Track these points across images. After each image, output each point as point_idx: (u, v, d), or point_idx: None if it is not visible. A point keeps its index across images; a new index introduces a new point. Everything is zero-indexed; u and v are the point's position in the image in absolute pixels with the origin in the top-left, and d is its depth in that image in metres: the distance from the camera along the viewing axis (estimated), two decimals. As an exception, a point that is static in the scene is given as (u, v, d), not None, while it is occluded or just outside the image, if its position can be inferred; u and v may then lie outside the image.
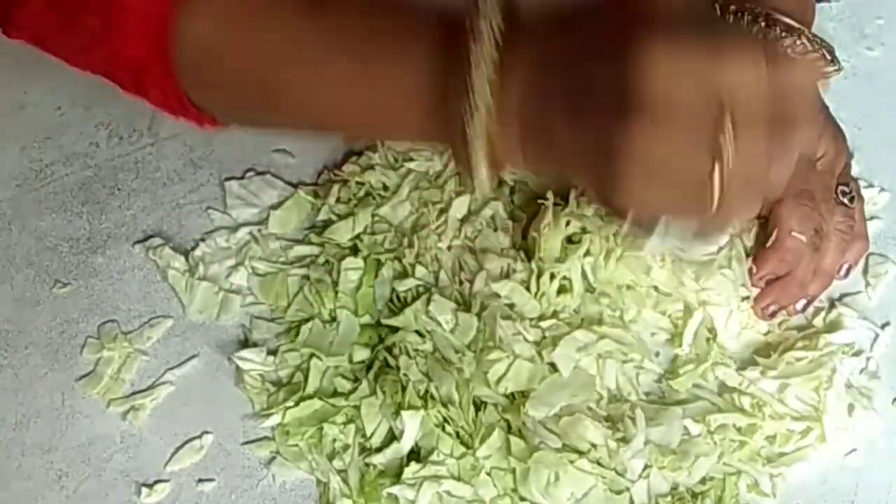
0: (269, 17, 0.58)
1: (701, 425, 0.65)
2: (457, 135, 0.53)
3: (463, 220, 0.72)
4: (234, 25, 0.58)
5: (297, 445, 0.66)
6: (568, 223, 0.69)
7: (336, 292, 0.70)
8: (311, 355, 0.68)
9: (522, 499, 0.63)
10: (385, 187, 0.75)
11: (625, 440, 0.63)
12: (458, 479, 0.64)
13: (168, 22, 0.56)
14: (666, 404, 0.66)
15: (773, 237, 0.68)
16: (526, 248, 0.71)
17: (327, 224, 0.74)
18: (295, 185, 0.76)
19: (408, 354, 0.67)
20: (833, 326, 0.70)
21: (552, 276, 0.68)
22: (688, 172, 0.49)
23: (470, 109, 0.52)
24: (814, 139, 0.70)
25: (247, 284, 0.73)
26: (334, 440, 0.66)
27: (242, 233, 0.74)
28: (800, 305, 0.70)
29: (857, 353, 0.69)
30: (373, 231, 0.73)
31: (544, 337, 0.67)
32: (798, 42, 0.71)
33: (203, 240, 0.74)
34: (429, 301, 0.68)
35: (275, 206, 0.75)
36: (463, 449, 0.65)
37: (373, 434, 0.66)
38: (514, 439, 0.64)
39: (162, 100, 0.60)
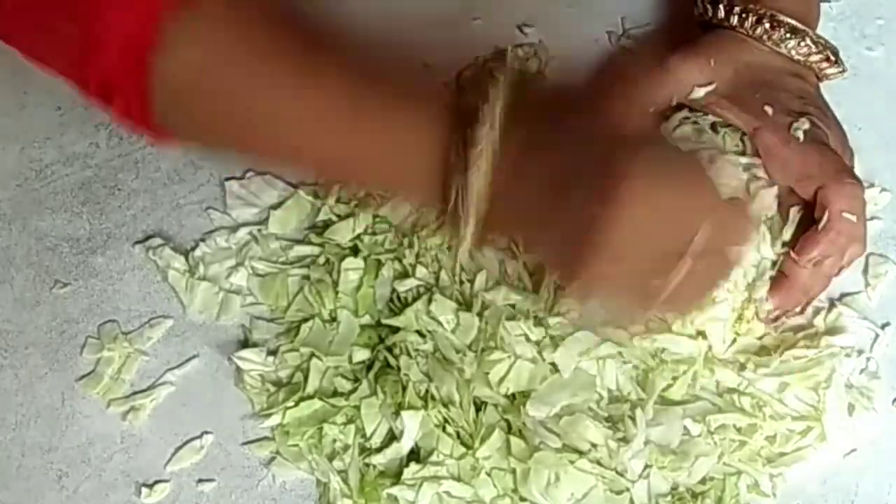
0: (261, 58, 0.57)
1: (701, 425, 0.65)
2: (452, 203, 0.57)
3: None
4: (223, 60, 0.57)
5: (296, 446, 0.66)
6: None
7: (336, 292, 0.70)
8: (311, 355, 0.68)
9: (522, 499, 0.63)
10: None
11: (625, 440, 0.64)
12: (458, 479, 0.64)
13: (151, 41, 0.55)
14: (666, 404, 0.66)
15: (823, 219, 0.67)
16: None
17: (327, 224, 0.74)
18: (295, 186, 0.76)
19: (408, 354, 0.67)
20: (833, 327, 0.70)
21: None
22: (651, 270, 0.56)
23: (468, 183, 0.56)
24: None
25: (246, 285, 0.73)
26: (334, 440, 0.66)
27: (242, 233, 0.74)
28: (798, 307, 0.70)
29: (857, 353, 0.69)
30: (373, 231, 0.72)
31: (548, 336, 0.66)
32: (802, 44, 0.71)
33: (203, 240, 0.74)
34: (430, 301, 0.68)
35: (275, 206, 0.75)
36: (463, 449, 0.65)
37: (373, 434, 0.66)
38: (514, 439, 0.64)
39: (124, 112, 0.58)
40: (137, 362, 0.70)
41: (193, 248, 0.74)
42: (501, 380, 0.65)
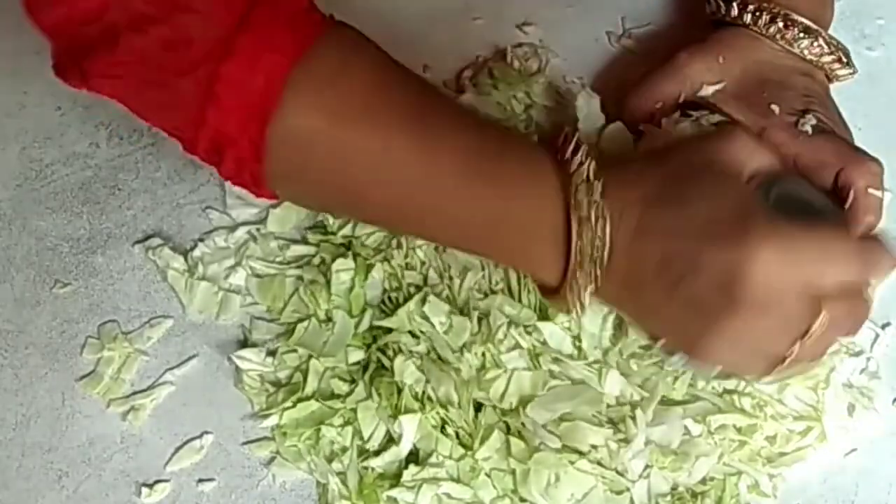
0: (374, 122, 0.57)
1: (701, 425, 0.65)
2: (573, 264, 0.57)
3: None
4: (339, 125, 0.56)
5: (295, 446, 0.66)
6: None
7: (330, 293, 0.70)
8: (310, 357, 0.68)
9: (522, 500, 0.63)
10: None
11: (625, 440, 0.63)
12: (458, 481, 0.64)
13: (272, 106, 0.55)
14: (666, 404, 0.66)
15: (850, 198, 0.66)
16: None
17: (326, 224, 0.74)
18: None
19: (402, 354, 0.67)
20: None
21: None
22: (766, 353, 0.57)
23: (591, 251, 0.56)
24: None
25: (245, 285, 0.73)
26: (332, 442, 0.66)
27: (241, 232, 0.74)
28: None
29: (857, 353, 0.69)
30: (364, 231, 0.72)
31: (540, 343, 0.66)
32: (815, 44, 0.71)
33: (202, 240, 0.74)
34: (423, 301, 0.68)
35: (275, 206, 0.75)
36: (462, 450, 0.64)
37: (370, 437, 0.66)
38: (513, 440, 0.64)
39: (234, 173, 0.58)
40: (137, 362, 0.70)
41: (193, 248, 0.74)
42: (503, 395, 0.65)
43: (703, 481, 0.64)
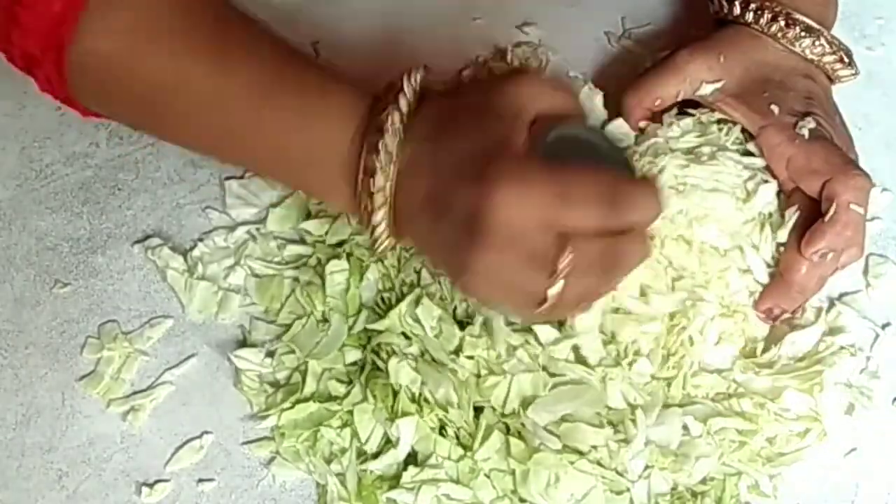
0: (171, 44, 0.58)
1: (701, 425, 0.65)
2: (359, 204, 0.58)
3: None
4: (133, 48, 0.58)
5: (294, 447, 0.66)
6: None
7: (325, 295, 0.70)
8: (308, 357, 0.68)
9: (522, 500, 0.63)
10: None
11: (625, 441, 0.63)
12: (457, 482, 0.63)
13: (67, 31, 0.56)
14: (666, 406, 0.66)
15: (831, 211, 0.66)
16: None
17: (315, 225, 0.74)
18: (294, 185, 0.76)
19: (396, 356, 0.66)
20: (833, 326, 0.70)
21: None
22: (523, 290, 0.56)
23: (376, 172, 0.57)
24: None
25: (244, 285, 0.73)
26: (331, 443, 0.66)
27: (240, 232, 0.74)
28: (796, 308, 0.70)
29: (858, 353, 0.69)
30: (358, 231, 0.72)
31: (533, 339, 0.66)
32: (817, 43, 0.71)
33: (201, 239, 0.74)
34: (416, 303, 0.68)
35: (275, 205, 0.75)
36: (461, 451, 0.64)
37: (368, 439, 0.65)
38: (513, 441, 0.64)
39: (48, 88, 0.61)
40: (137, 362, 0.70)
41: (192, 248, 0.74)
42: (504, 400, 0.65)
43: (703, 481, 0.64)
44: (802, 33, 0.71)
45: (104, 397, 0.69)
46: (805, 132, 0.68)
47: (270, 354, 0.69)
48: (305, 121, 0.59)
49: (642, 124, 0.73)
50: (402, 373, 0.66)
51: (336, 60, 0.79)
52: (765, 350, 0.68)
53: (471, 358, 0.66)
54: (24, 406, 0.69)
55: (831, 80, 0.73)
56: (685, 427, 0.65)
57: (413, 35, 0.81)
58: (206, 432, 0.68)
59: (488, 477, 0.64)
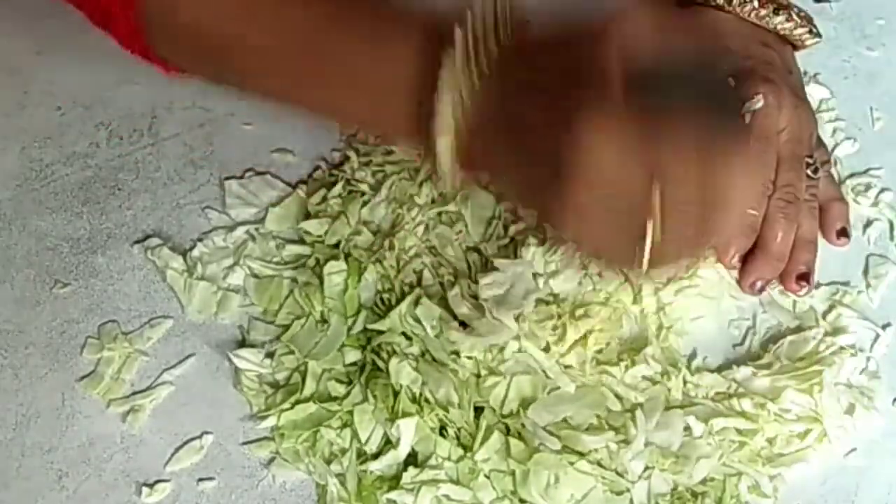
0: None
1: (702, 425, 0.65)
2: (428, 130, 0.55)
3: (428, 227, 0.72)
4: None
5: (294, 447, 0.66)
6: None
7: (323, 296, 0.70)
8: (307, 357, 0.68)
9: (522, 501, 0.63)
10: (371, 187, 0.74)
11: (625, 442, 0.63)
12: (457, 482, 0.63)
13: None
14: (667, 407, 0.66)
15: (759, 244, 0.69)
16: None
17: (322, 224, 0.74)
18: (294, 186, 0.76)
19: (396, 356, 0.66)
20: (833, 327, 0.70)
21: None
22: (618, 237, 0.53)
23: (443, 109, 0.55)
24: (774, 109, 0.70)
25: (243, 285, 0.73)
26: (331, 444, 0.66)
27: (240, 232, 0.74)
28: (803, 292, 0.71)
29: (858, 353, 0.69)
30: (356, 232, 0.72)
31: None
32: (788, 19, 0.72)
33: (201, 239, 0.74)
34: (416, 303, 0.68)
35: (274, 205, 0.75)
36: (461, 452, 0.64)
37: (368, 440, 0.65)
38: (513, 441, 0.64)
39: (127, 43, 0.61)
40: (137, 362, 0.70)
41: (192, 248, 0.74)
42: (503, 401, 0.65)
43: (704, 482, 0.64)
44: (774, 11, 0.72)
45: (104, 397, 0.69)
46: (748, 117, 0.69)
47: (270, 355, 0.69)
48: (375, 46, 0.58)
49: None
50: (402, 373, 0.66)
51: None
52: (765, 350, 0.68)
53: (471, 358, 0.66)
54: (24, 406, 0.69)
55: (796, 48, 0.75)
56: (687, 427, 0.65)
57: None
58: (206, 432, 0.68)
59: (488, 478, 0.64)
